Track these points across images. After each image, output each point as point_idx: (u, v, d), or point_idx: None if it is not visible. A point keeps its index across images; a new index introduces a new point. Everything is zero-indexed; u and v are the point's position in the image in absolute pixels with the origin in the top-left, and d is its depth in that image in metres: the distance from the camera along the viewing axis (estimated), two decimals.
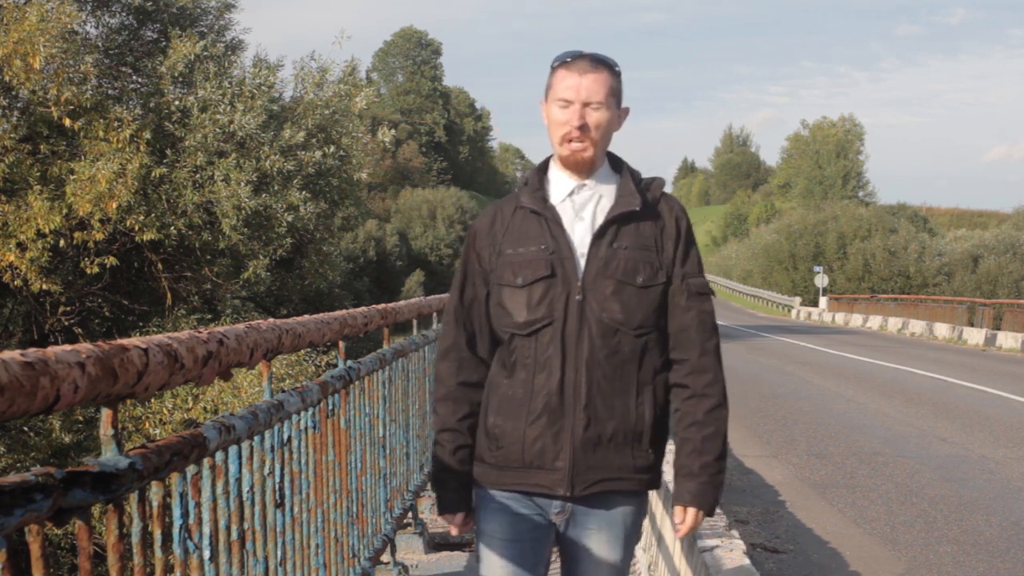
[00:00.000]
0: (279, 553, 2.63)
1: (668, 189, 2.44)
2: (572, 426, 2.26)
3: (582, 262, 2.28)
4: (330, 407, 3.30)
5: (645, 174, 2.43)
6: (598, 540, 2.36)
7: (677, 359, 2.34)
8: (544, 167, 2.40)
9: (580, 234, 2.30)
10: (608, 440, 2.27)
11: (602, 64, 2.29)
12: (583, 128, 2.25)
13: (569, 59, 2.29)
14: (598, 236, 2.28)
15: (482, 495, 2.38)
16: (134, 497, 1.66)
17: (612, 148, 2.41)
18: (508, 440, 2.30)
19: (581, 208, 2.32)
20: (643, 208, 2.32)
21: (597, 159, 2.32)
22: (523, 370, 2.29)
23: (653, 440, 2.33)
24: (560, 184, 2.34)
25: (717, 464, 2.33)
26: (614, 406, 2.27)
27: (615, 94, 2.30)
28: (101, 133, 13.60)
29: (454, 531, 2.46)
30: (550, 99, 2.31)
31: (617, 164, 2.40)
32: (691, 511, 2.34)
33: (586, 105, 2.25)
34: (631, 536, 2.40)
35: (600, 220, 2.31)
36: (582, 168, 2.31)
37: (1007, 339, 24.53)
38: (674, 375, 2.35)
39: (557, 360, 2.26)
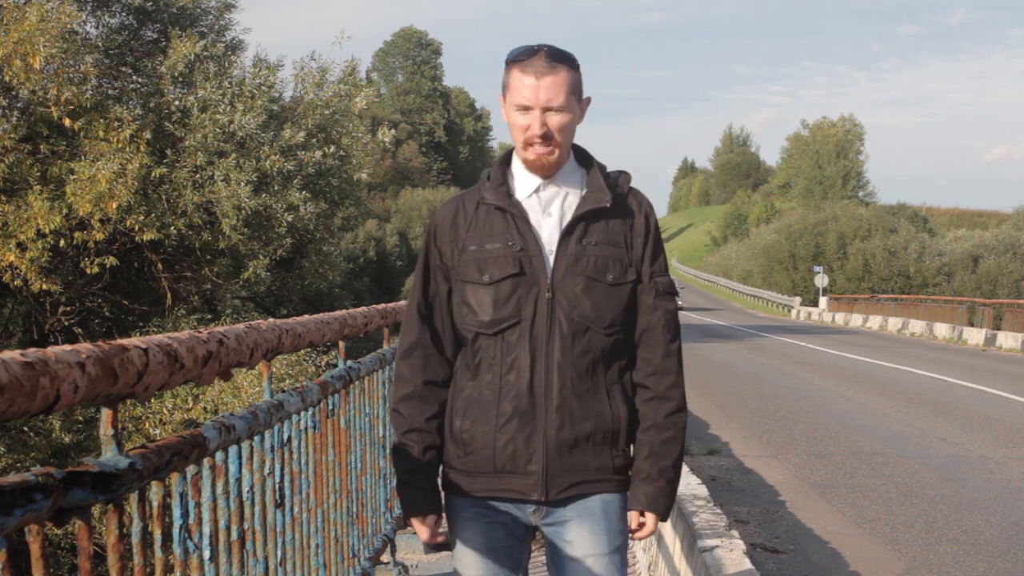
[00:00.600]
0: (279, 553, 2.63)
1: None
2: (544, 428, 2.19)
3: (551, 259, 2.21)
4: (330, 407, 3.30)
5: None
6: (578, 531, 2.27)
7: (640, 358, 2.29)
8: (507, 161, 2.31)
9: (548, 231, 2.23)
10: (586, 441, 2.21)
11: (560, 62, 2.17)
12: (545, 136, 2.17)
13: (524, 57, 2.17)
14: (567, 233, 2.22)
15: (453, 504, 2.30)
16: (134, 497, 1.66)
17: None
18: (477, 445, 2.22)
19: (548, 204, 2.25)
20: (613, 204, 2.24)
21: (563, 158, 2.24)
22: (489, 371, 2.22)
23: (629, 439, 2.28)
24: (525, 180, 2.27)
25: (674, 469, 2.28)
26: (589, 406, 2.21)
27: (575, 91, 2.20)
28: (101, 133, 13.60)
29: (424, 537, 2.29)
30: (508, 101, 2.21)
31: (584, 158, 2.32)
32: (649, 516, 2.28)
33: (547, 110, 2.16)
34: (615, 530, 2.29)
35: (568, 216, 2.23)
36: (548, 170, 2.24)
37: (1007, 339, 24.53)
38: (636, 374, 2.29)
39: (526, 360, 2.19)
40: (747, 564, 4.05)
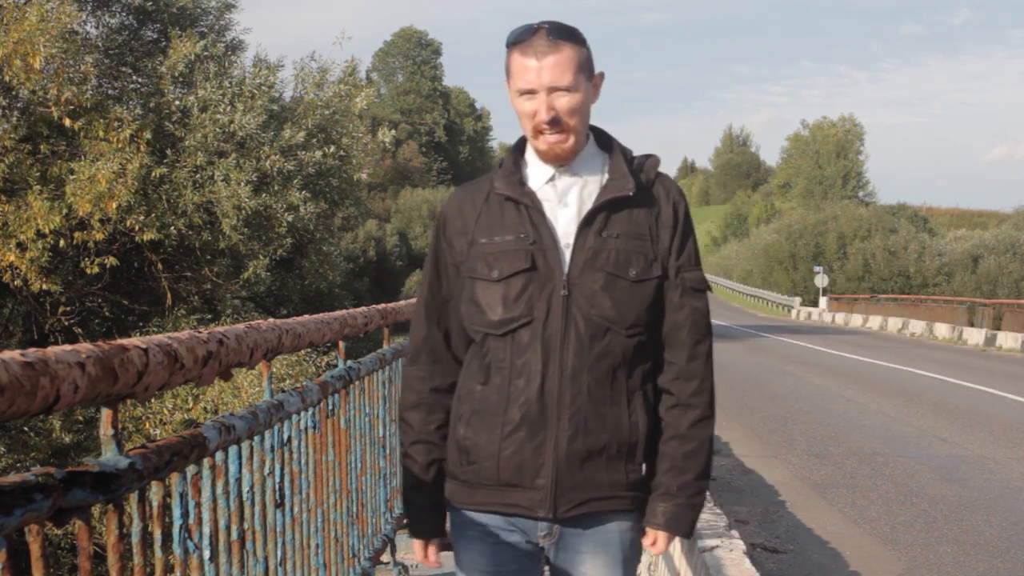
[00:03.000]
0: (279, 553, 2.63)
1: None
2: (555, 439, 1.99)
3: (567, 253, 2.00)
4: (330, 407, 3.30)
5: None
6: (592, 564, 2.08)
7: (665, 361, 2.08)
8: (520, 147, 2.11)
9: (564, 222, 2.02)
10: (599, 454, 2.00)
11: (563, 39, 1.95)
12: (553, 121, 1.96)
13: (524, 37, 1.97)
14: (585, 224, 2.01)
15: (458, 518, 2.11)
16: (134, 497, 1.66)
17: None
18: (481, 455, 2.03)
19: (564, 193, 2.04)
20: (637, 192, 2.03)
21: (579, 144, 2.03)
22: (498, 375, 2.02)
23: (647, 452, 2.06)
24: (539, 168, 2.06)
25: (697, 484, 2.06)
26: (605, 416, 2.00)
27: (584, 68, 1.98)
28: (101, 133, 13.60)
29: (419, 558, 2.15)
30: (512, 87, 2.00)
31: (605, 141, 2.11)
32: (662, 535, 2.08)
33: (552, 91, 1.95)
34: (630, 559, 2.12)
35: (588, 206, 2.02)
36: (563, 158, 2.03)
37: (1007, 339, 24.53)
38: (660, 379, 2.09)
39: (537, 364, 1.98)
40: (747, 564, 4.06)
